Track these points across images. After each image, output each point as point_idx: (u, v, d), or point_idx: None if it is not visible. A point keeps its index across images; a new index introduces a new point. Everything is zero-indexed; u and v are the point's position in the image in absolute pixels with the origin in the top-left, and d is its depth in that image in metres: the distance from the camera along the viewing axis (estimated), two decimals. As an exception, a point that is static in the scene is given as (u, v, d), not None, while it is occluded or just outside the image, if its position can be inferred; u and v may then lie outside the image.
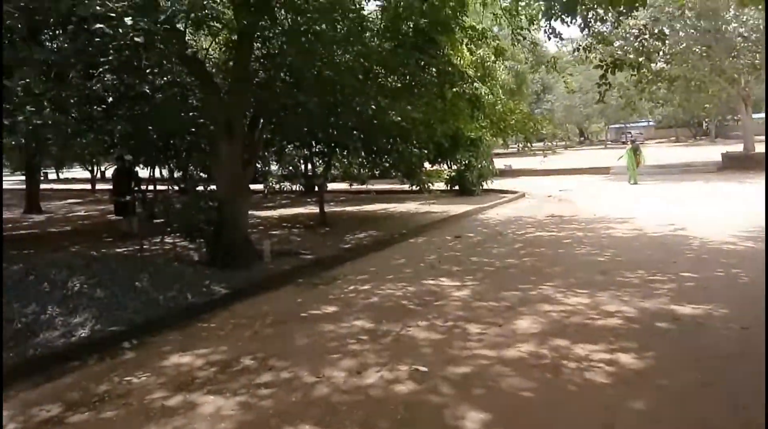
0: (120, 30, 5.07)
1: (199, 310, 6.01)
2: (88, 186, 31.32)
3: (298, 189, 19.33)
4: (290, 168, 17.86)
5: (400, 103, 9.80)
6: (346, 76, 8.97)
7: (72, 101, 7.37)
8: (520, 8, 10.74)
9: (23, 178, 21.94)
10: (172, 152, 13.14)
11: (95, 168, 33.18)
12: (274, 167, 18.57)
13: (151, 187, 15.53)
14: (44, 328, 5.03)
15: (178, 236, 8.86)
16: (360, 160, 13.91)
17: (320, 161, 14.57)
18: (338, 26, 8.98)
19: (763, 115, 36.65)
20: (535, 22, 11.07)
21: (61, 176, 43.44)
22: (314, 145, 13.55)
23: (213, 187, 8.87)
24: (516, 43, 11.80)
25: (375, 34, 10.08)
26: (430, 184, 13.73)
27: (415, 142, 11.90)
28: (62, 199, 23.97)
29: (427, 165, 14.43)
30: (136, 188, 12.52)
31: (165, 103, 7.85)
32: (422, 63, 10.10)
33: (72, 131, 8.77)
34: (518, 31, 11.07)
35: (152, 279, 6.15)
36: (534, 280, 6.96)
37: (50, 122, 7.42)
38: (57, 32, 7.16)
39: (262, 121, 9.18)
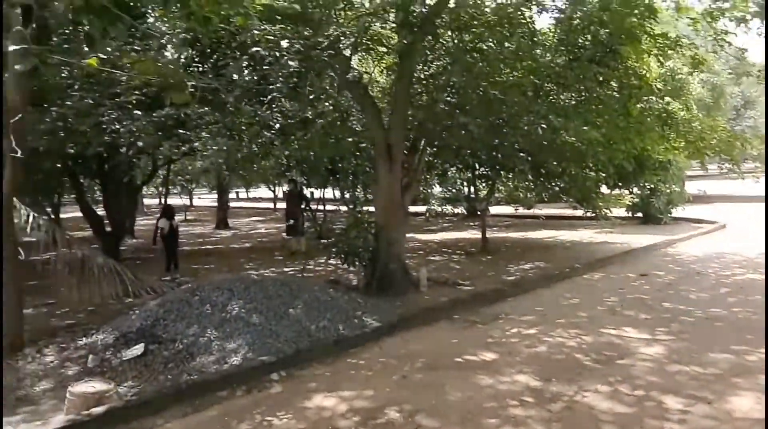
0: (278, 53, 5.04)
1: (350, 343, 5.70)
2: (271, 205, 34.24)
3: (460, 212, 18.81)
4: (453, 190, 17.45)
5: (575, 121, 8.77)
6: (514, 94, 8.24)
7: (243, 128, 7.74)
8: (725, 9, 9.02)
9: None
10: (339, 175, 13.50)
11: (275, 188, 36.21)
12: (436, 190, 18.34)
13: (321, 208, 16.21)
14: (201, 352, 5.09)
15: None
16: (527, 183, 12.93)
17: (484, 184, 13.85)
18: (506, 43, 8.33)
19: None
20: (743, 24, 9.23)
21: (250, 195, 48.34)
22: (477, 167, 12.91)
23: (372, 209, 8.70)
24: (717, 52, 9.96)
25: (547, 49, 9.22)
26: (607, 211, 12.21)
27: (591, 164, 10.64)
28: (248, 217, 26.36)
29: (604, 189, 12.89)
30: (306, 209, 12.99)
31: (327, 128, 7.90)
32: (601, 78, 8.96)
33: (251, 155, 9.34)
34: (722, 36, 9.32)
35: (306, 307, 6.00)
36: (751, 340, 5.48)
37: (224, 148, 7.92)
38: (221, 60, 7.56)
39: (423, 143, 8.83)
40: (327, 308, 6.14)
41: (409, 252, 12.16)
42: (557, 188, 12.36)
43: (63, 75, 7.86)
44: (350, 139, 8.36)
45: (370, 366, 5.22)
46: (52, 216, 14.27)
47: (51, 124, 7.33)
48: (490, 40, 8.23)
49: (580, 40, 8.99)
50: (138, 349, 5.05)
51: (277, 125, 8.60)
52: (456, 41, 8.60)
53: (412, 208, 18.76)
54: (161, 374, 4.73)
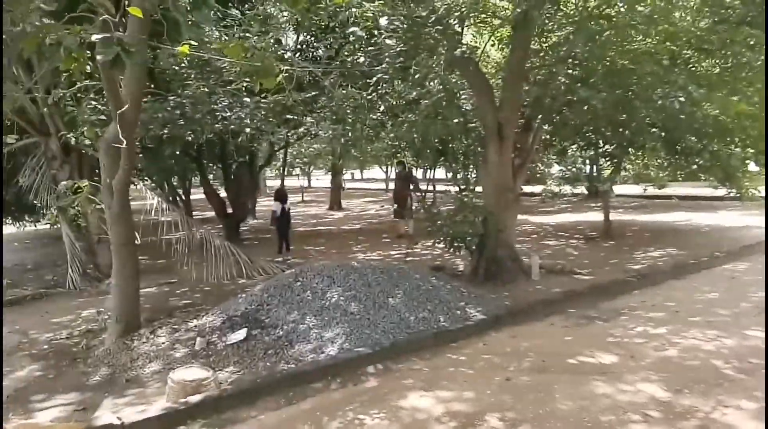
0: (377, 32, 4.76)
1: (451, 337, 5.38)
2: (383, 186, 34.59)
3: (580, 193, 17.53)
4: (573, 169, 16.24)
5: (721, 92, 7.56)
6: (647, 63, 7.25)
7: (348, 112, 7.61)
8: None
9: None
10: (449, 156, 13.06)
11: (387, 169, 36.43)
12: (554, 169, 17.21)
13: (431, 189, 15.91)
14: (300, 339, 5.05)
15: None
16: (659, 160, 11.64)
17: (608, 162, 12.66)
18: (638, 6, 7.33)
19: None
20: None
21: (364, 176, 49.25)
22: (601, 144, 11.80)
23: (480, 192, 8.21)
24: None
25: (687, 11, 8.02)
26: (755, 191, 10.60)
27: (737, 139, 9.23)
28: (361, 198, 26.81)
29: (752, 167, 11.17)
30: (415, 190, 12.74)
31: (435, 108, 7.51)
32: (752, 41, 7.61)
33: (359, 137, 9.24)
34: None
35: (406, 296, 5.77)
36: None
37: (330, 132, 7.86)
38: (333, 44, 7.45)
39: (538, 121, 8.14)
40: (428, 298, 5.86)
41: (521, 236, 11.49)
42: (695, 166, 10.96)
43: (182, 65, 8.24)
44: (458, 120, 7.89)
45: (472, 364, 4.86)
46: (183, 199, 15.41)
47: (170, 112, 7.72)
48: (620, 3, 7.28)
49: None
50: (241, 333, 5.13)
51: (382, 107, 8.36)
52: (579, 7, 7.74)
53: (527, 188, 17.89)
54: (261, 360, 4.75)
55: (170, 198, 13.80)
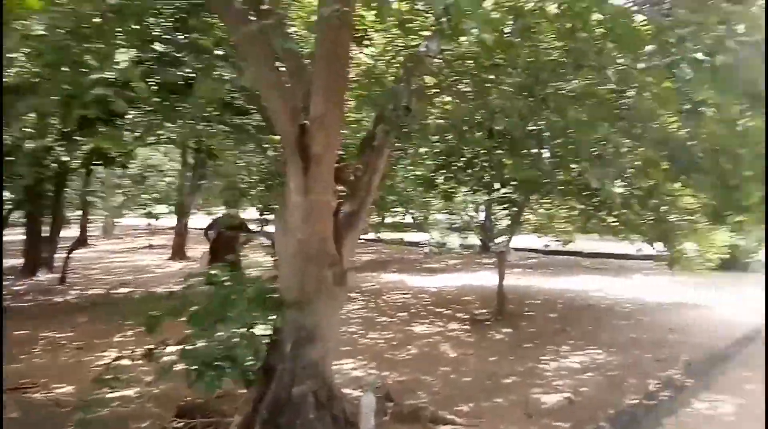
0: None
1: None
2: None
3: (473, 245, 14.49)
4: (463, 217, 13.13)
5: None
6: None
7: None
8: None
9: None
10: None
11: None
12: (440, 216, 14.04)
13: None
14: None
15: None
16: (569, 211, 8.71)
17: (505, 210, 9.41)
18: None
19: None
20: None
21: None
22: (497, 186, 8.56)
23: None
24: None
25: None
26: (687, 265, 7.83)
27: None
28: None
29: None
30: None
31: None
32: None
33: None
34: None
35: None
36: None
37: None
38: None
39: (387, 132, 4.49)
40: None
41: (383, 315, 7.93)
42: (616, 221, 8.02)
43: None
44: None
45: None
46: None
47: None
48: None
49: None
50: None
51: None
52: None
53: (410, 237, 14.49)
54: None
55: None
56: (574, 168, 5.22)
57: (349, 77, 4.02)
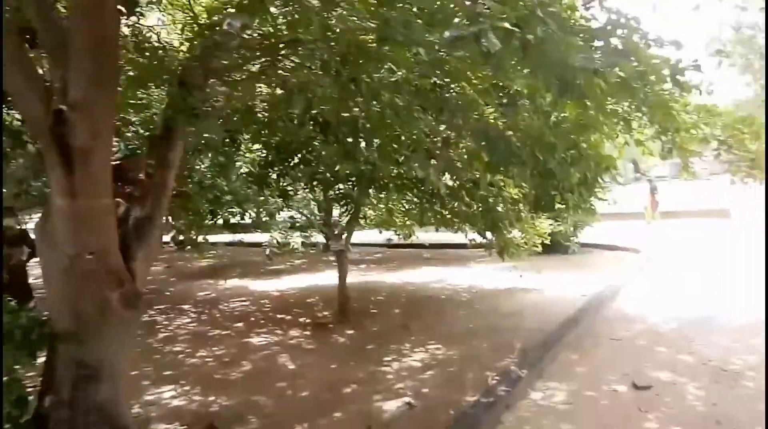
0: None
1: None
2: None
3: (317, 244, 14.06)
4: (304, 215, 12.63)
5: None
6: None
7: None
8: None
9: None
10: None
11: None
12: (282, 215, 13.40)
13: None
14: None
15: None
16: (408, 205, 8.67)
17: (343, 207, 9.15)
18: None
19: None
20: None
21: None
22: (333, 180, 8.21)
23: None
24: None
25: None
26: (524, 245, 8.22)
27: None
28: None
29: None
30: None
31: None
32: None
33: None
34: None
35: None
36: None
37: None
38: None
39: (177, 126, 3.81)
40: None
41: (216, 327, 7.09)
42: (449, 214, 8.12)
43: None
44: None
45: None
46: None
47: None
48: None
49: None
50: None
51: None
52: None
53: (254, 237, 13.67)
54: None
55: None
56: (397, 159, 5.00)
57: (120, 53, 3.30)
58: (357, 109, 3.73)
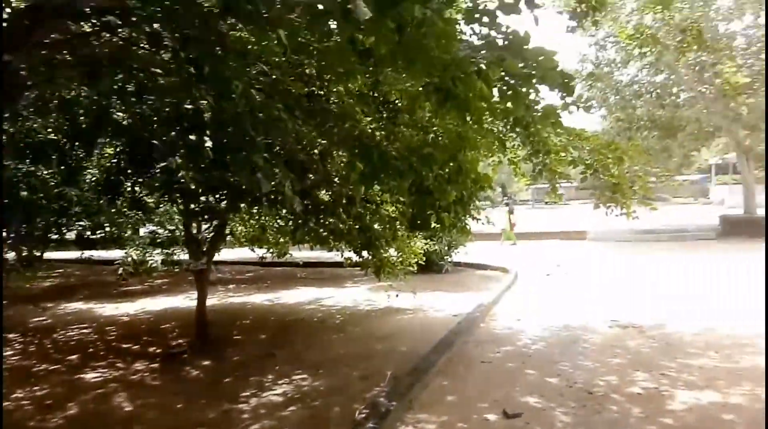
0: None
1: None
2: None
3: (182, 262, 12.89)
4: (168, 231, 11.48)
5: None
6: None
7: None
8: None
9: None
10: None
11: None
12: (142, 230, 12.10)
13: None
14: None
15: None
16: (282, 222, 8.11)
17: (207, 222, 8.30)
18: None
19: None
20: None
21: None
22: (195, 192, 7.39)
23: None
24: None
25: None
26: (391, 271, 7.96)
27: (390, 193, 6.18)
28: None
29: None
30: None
31: None
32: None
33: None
34: None
35: None
36: None
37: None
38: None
39: None
40: None
41: (44, 361, 5.89)
42: (325, 231, 7.67)
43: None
44: None
45: None
46: None
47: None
48: None
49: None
50: None
51: None
52: None
53: (108, 254, 12.22)
54: None
55: None
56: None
57: None
58: (204, 102, 3.17)
